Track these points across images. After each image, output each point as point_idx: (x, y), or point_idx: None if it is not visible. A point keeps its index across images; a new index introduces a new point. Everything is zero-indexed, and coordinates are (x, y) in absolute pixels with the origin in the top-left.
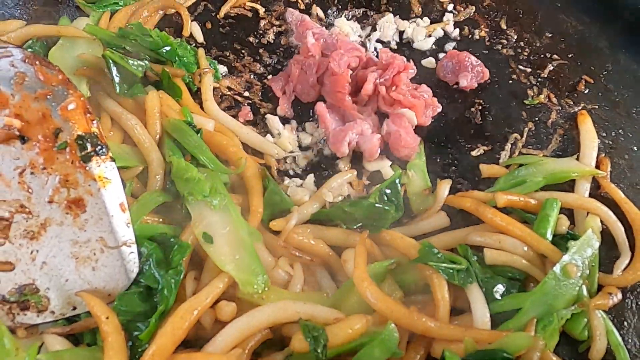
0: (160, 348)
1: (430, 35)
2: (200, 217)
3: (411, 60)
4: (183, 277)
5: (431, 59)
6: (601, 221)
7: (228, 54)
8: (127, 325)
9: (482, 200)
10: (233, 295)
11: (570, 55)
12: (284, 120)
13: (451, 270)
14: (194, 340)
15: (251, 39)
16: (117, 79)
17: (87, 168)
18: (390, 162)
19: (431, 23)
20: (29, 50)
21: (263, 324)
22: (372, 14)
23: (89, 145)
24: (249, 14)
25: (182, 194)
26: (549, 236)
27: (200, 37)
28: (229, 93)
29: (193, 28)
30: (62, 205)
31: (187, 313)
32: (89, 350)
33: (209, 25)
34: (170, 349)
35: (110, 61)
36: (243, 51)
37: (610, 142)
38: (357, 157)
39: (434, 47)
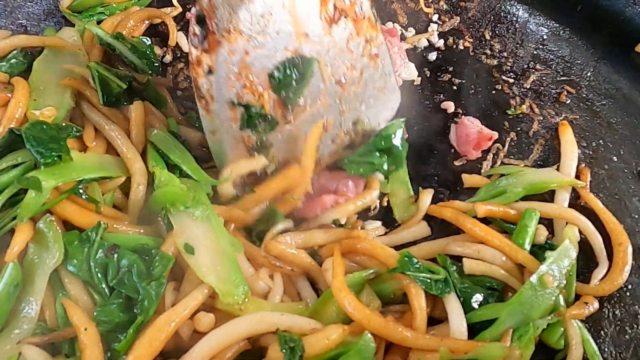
0: (137, 359)
1: (414, 46)
2: (182, 228)
3: None
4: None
5: (413, 70)
6: (580, 231)
7: None
8: (107, 335)
9: (463, 210)
10: (212, 306)
11: (552, 66)
12: None
13: (429, 280)
14: (173, 351)
15: None
16: (101, 90)
17: (378, 26)
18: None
19: (416, 33)
20: (13, 60)
21: (241, 335)
22: None
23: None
24: None
25: (164, 205)
26: (527, 246)
27: (186, 47)
28: None
29: (179, 38)
30: (367, 56)
31: (164, 325)
32: None
33: None
34: None
35: (96, 72)
36: None
37: (591, 152)
38: None
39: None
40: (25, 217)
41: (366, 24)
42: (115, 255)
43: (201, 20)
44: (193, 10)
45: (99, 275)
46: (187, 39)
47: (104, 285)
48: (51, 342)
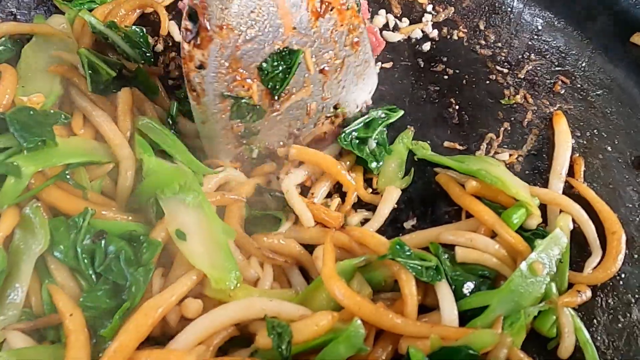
0: (122, 345)
1: (408, 37)
2: (173, 214)
3: None
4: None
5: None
6: (573, 220)
7: None
8: (93, 321)
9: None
10: (200, 292)
11: (547, 56)
12: None
13: (420, 267)
14: (160, 337)
15: None
16: (90, 77)
17: (360, 16)
18: None
19: (410, 24)
20: (1, 48)
21: (228, 321)
22: None
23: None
24: None
25: (155, 192)
26: (515, 221)
27: (178, 36)
28: None
29: (171, 27)
30: (349, 45)
31: (151, 310)
32: (52, 347)
33: None
34: (132, 346)
35: (85, 59)
36: None
37: (585, 142)
38: None
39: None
40: (4, 203)
41: (349, 13)
42: (103, 242)
43: (193, 16)
44: (185, 0)
45: (86, 261)
46: (180, 29)
47: (90, 272)
48: (37, 329)
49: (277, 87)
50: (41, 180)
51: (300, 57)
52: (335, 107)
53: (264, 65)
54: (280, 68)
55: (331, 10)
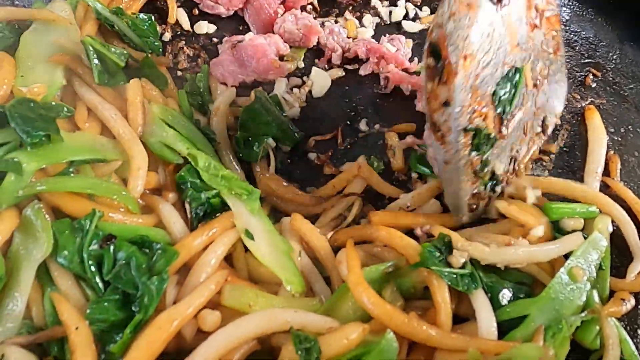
0: None
1: (429, 27)
2: (240, 213)
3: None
4: None
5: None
6: (613, 222)
7: (216, 41)
8: (101, 335)
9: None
10: (217, 302)
11: (576, 48)
12: None
13: (454, 275)
14: (175, 353)
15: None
16: (96, 68)
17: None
18: None
19: (431, 13)
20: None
21: (250, 334)
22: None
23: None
24: None
25: (214, 186)
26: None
27: (186, 24)
28: None
29: (179, 15)
30: (554, 53)
31: (165, 324)
32: None
33: (195, 12)
34: None
35: (91, 48)
36: None
37: (619, 139)
38: None
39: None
40: (4, 203)
41: (554, 19)
42: (112, 247)
43: (435, 52)
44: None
45: (93, 268)
46: (188, 17)
47: (98, 280)
48: (38, 343)
49: (506, 109)
50: (42, 178)
51: (523, 74)
52: (543, 121)
53: (499, 90)
54: (507, 89)
55: (542, 18)
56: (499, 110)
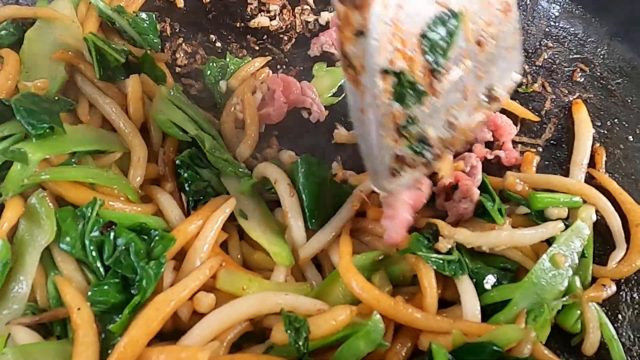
0: (132, 341)
1: None
2: (236, 195)
3: None
4: None
5: None
6: (597, 212)
7: (214, 39)
8: (101, 316)
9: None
10: (212, 286)
11: (565, 44)
12: None
13: (441, 261)
14: (171, 333)
15: (237, 24)
16: (98, 64)
17: None
18: None
19: None
20: (4, 32)
21: (243, 315)
22: None
23: None
24: None
25: (218, 167)
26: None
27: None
28: None
29: None
30: (502, 10)
31: (162, 304)
32: (59, 343)
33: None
34: (143, 341)
35: (92, 45)
36: (229, 37)
37: (606, 132)
38: None
39: None
40: (10, 191)
41: None
42: (112, 234)
43: None
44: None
45: (94, 253)
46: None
47: (99, 265)
48: (42, 323)
49: (439, 60)
50: (46, 168)
51: (460, 22)
52: (489, 90)
53: (428, 32)
54: (441, 35)
55: None
56: (430, 59)
